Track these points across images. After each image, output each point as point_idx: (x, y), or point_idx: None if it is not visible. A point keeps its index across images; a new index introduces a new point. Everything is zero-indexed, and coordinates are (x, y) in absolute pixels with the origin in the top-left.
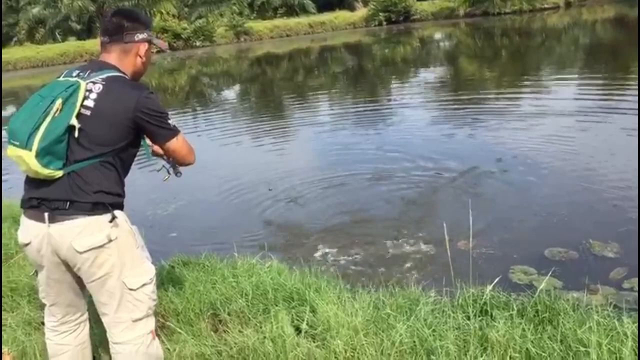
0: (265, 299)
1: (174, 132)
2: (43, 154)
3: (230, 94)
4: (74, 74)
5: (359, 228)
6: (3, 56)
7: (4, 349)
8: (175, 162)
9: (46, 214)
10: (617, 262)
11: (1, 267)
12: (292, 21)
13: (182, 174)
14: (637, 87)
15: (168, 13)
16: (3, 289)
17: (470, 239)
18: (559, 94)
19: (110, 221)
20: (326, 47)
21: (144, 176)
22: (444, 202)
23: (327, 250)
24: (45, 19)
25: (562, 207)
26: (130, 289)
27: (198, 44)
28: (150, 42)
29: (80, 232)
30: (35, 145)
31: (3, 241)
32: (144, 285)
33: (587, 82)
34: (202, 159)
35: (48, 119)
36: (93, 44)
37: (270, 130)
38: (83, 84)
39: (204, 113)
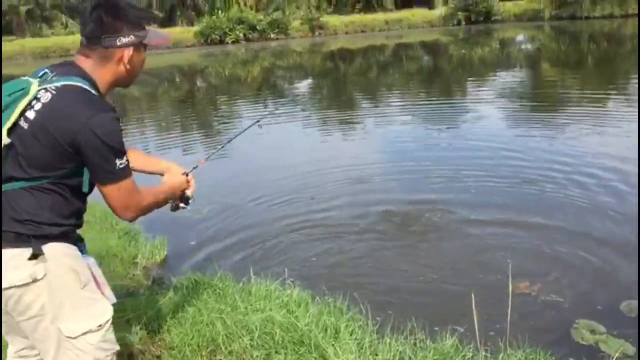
0: (271, 340)
1: (116, 175)
2: None
3: (302, 87)
4: (41, 73)
5: (407, 250)
6: None
7: None
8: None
9: None
10: None
11: None
12: (368, 17)
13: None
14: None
15: (245, 4)
16: None
17: (510, 286)
18: None
19: (31, 258)
20: (401, 45)
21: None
22: (509, 224)
23: (359, 278)
24: None
25: None
26: (68, 337)
27: (273, 36)
28: (139, 45)
29: (4, 265)
30: None
31: None
32: (87, 332)
33: None
34: (261, 154)
35: None
36: (172, 32)
37: (336, 125)
38: (34, 87)
39: (274, 103)
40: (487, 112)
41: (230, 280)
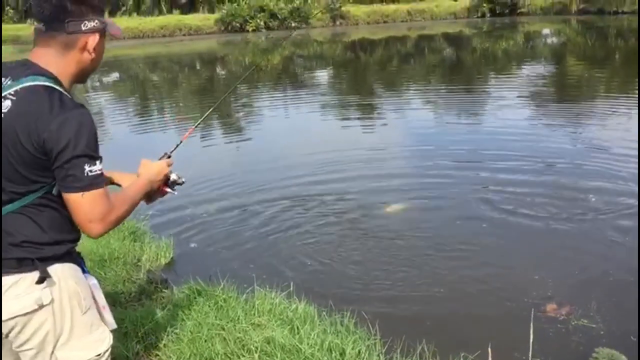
0: None
1: (82, 183)
2: None
3: (320, 77)
4: None
5: (423, 260)
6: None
7: None
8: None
9: None
10: None
11: None
12: (391, 7)
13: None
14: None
15: None
16: None
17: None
18: None
19: (39, 282)
20: (423, 36)
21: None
22: (538, 232)
23: (369, 290)
24: None
25: None
26: None
27: (293, 25)
28: (103, 31)
29: (3, 295)
30: None
31: None
32: None
33: None
34: (274, 148)
35: None
36: (193, 19)
37: (354, 117)
38: None
39: (293, 94)
40: (508, 105)
41: (233, 292)
